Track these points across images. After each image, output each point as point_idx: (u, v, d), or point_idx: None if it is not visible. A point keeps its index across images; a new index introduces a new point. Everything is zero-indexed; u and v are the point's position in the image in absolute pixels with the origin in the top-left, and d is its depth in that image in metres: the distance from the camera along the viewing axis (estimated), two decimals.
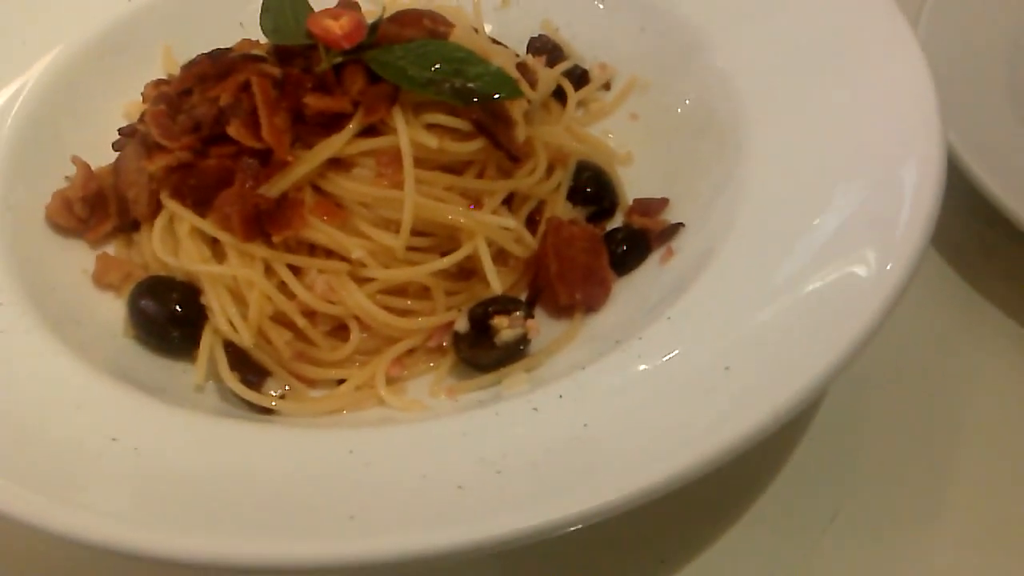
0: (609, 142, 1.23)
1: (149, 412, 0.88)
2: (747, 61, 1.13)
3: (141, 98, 1.18)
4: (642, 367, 0.88)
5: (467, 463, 0.81)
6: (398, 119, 1.01)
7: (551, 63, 1.25)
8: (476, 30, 1.26)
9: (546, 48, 1.28)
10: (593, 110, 1.26)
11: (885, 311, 0.85)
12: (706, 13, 1.20)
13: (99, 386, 0.89)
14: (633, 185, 1.18)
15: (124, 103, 1.22)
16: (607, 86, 1.28)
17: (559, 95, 1.24)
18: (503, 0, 1.34)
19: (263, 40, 1.20)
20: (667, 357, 0.88)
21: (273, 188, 1.00)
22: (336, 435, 0.87)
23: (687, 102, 1.20)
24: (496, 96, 1.02)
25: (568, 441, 0.82)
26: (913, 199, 0.92)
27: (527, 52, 1.30)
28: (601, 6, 1.32)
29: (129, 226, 1.10)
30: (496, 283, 1.00)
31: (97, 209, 1.10)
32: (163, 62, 1.26)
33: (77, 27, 1.21)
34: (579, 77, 1.27)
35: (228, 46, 1.24)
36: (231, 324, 0.98)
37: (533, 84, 1.16)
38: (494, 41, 1.23)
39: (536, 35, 1.31)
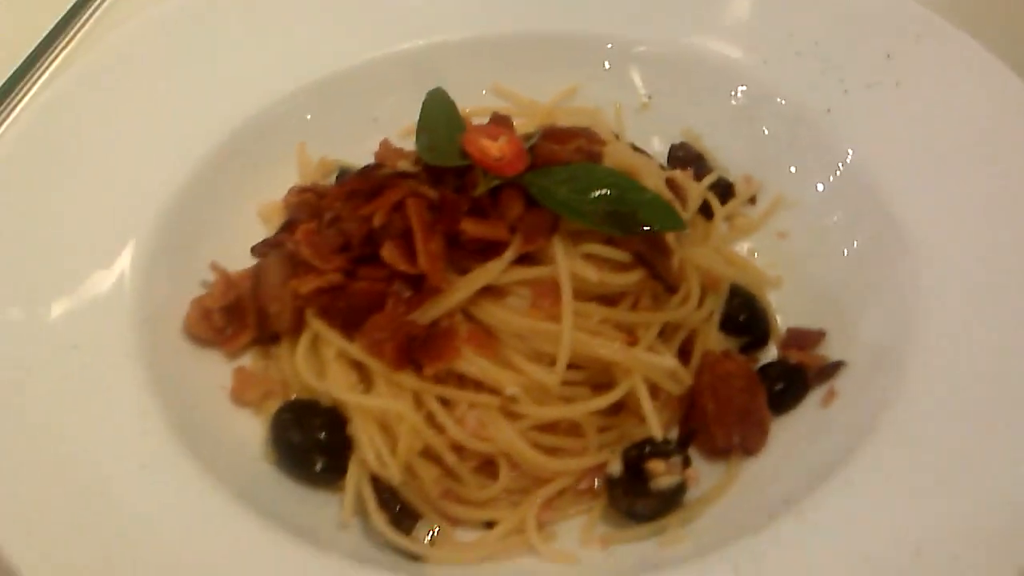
0: (755, 262, 1.18)
1: (301, 561, 0.84)
2: (913, 191, 1.08)
3: (282, 202, 1.15)
4: (821, 541, 0.83)
5: None
6: (557, 249, 0.97)
7: (697, 176, 1.21)
8: (616, 135, 1.23)
9: (690, 158, 1.24)
10: (738, 226, 1.21)
11: None
12: (859, 128, 1.16)
13: (248, 529, 0.86)
14: (782, 311, 1.13)
15: (258, 202, 1.19)
16: (752, 200, 1.23)
17: (704, 207, 1.20)
18: (643, 104, 1.30)
19: (405, 144, 1.18)
20: (849, 531, 0.83)
21: (425, 315, 0.97)
22: None
23: (839, 217, 1.15)
24: (659, 228, 0.98)
25: None
26: None
27: (668, 160, 1.26)
28: (738, 108, 1.27)
29: (267, 338, 1.07)
30: (657, 429, 0.95)
31: (235, 319, 1.07)
32: (298, 159, 1.24)
33: (213, 127, 1.19)
34: (724, 190, 1.22)
35: (362, 141, 1.22)
36: (379, 458, 0.94)
37: (683, 202, 1.13)
38: (635, 147, 1.20)
39: (678, 142, 1.27)
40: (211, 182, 1.16)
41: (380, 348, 0.96)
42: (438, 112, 1.06)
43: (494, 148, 1.00)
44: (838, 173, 1.17)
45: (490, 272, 0.97)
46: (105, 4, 1.56)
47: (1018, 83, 1.10)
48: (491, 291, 0.98)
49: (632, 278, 1.00)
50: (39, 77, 1.45)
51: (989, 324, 0.95)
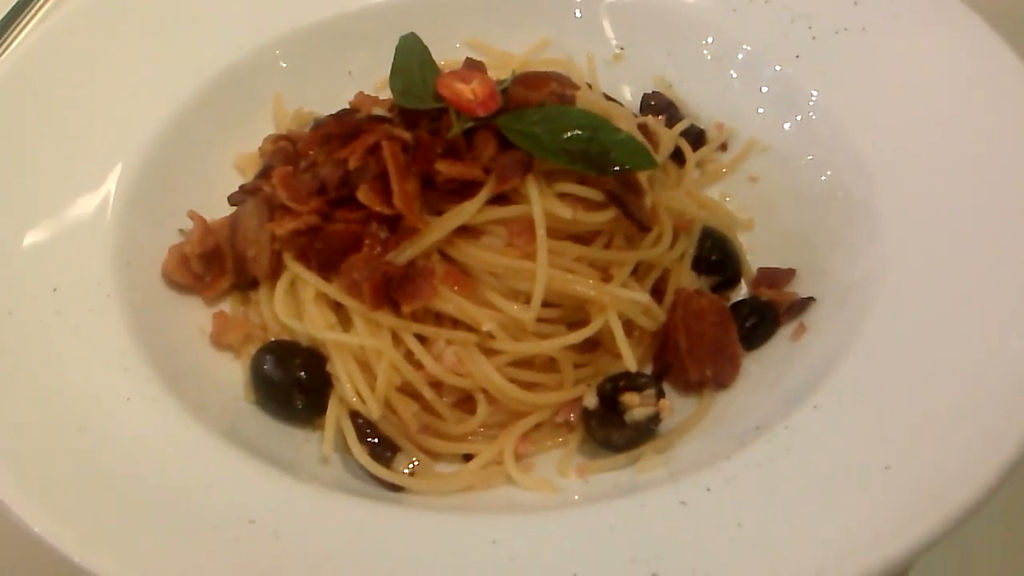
0: (727, 205, 1.20)
1: (284, 492, 0.85)
2: (879, 132, 1.10)
3: (258, 152, 1.16)
4: (792, 461, 0.85)
5: (619, 562, 0.78)
6: (531, 188, 0.98)
7: (669, 123, 1.22)
8: (589, 85, 1.24)
9: (662, 106, 1.25)
10: (710, 171, 1.23)
11: None
12: (827, 73, 1.18)
13: (231, 461, 0.87)
14: (753, 252, 1.15)
15: (235, 153, 1.20)
16: (724, 147, 1.25)
17: (675, 154, 1.21)
18: (615, 55, 1.31)
19: (380, 95, 1.19)
20: (819, 451, 0.85)
21: (401, 255, 0.98)
22: (479, 523, 0.84)
23: (809, 161, 1.17)
24: (632, 167, 1.00)
25: (724, 542, 0.79)
26: None
27: (640, 109, 1.27)
28: (710, 57, 1.28)
29: (246, 284, 1.08)
30: (631, 361, 0.97)
31: (213, 265, 1.07)
32: (274, 110, 1.24)
33: (187, 78, 1.19)
34: (696, 137, 1.24)
35: (338, 94, 1.23)
36: (359, 395, 0.96)
37: (655, 146, 1.14)
38: (607, 98, 1.21)
39: (650, 91, 1.28)
40: (188, 133, 1.17)
41: (358, 288, 0.97)
42: (411, 56, 1.07)
43: (467, 90, 1.01)
44: (810, 116, 1.18)
45: (465, 212, 0.98)
46: None
47: (979, 24, 1.12)
48: (466, 231, 1.00)
49: (605, 217, 1.01)
50: (26, 24, 1.45)
51: (950, 257, 0.97)
